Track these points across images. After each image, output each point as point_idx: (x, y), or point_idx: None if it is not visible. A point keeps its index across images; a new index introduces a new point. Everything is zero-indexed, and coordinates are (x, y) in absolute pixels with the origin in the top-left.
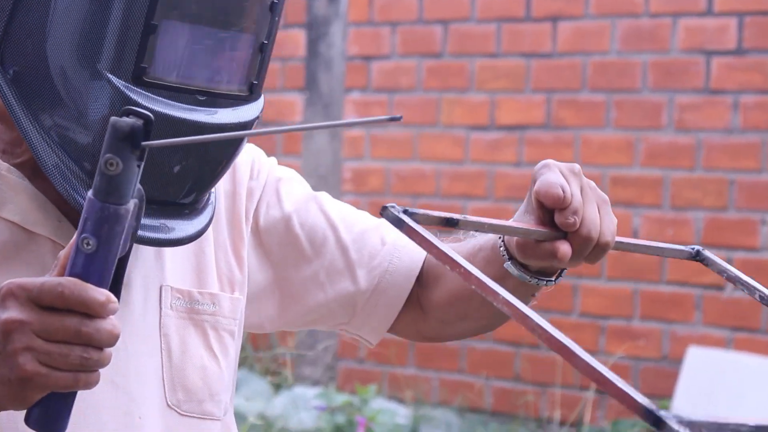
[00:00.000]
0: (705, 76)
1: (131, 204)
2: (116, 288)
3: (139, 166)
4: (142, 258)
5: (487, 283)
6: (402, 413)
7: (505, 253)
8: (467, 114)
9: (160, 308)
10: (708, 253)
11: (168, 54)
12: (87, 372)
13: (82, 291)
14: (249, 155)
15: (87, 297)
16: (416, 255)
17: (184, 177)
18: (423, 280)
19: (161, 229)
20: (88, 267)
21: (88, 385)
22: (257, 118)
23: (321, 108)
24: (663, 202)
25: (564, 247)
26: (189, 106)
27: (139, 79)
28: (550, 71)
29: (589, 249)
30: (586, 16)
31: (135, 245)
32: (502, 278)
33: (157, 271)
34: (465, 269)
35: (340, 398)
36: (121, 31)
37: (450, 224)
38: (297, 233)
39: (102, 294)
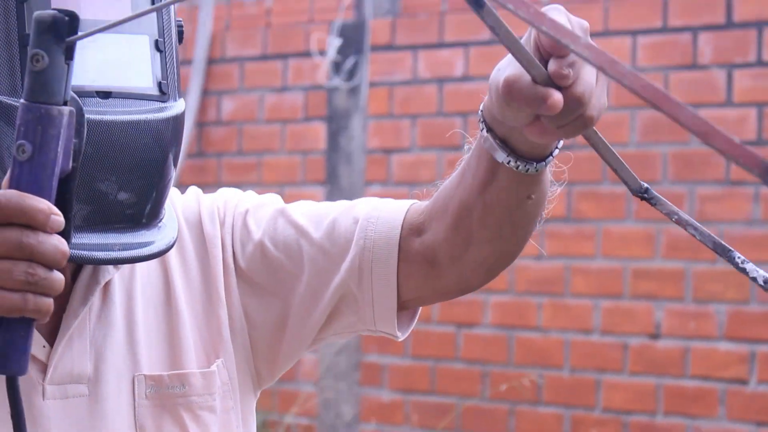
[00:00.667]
0: (725, 167)
1: (65, 109)
2: (64, 209)
3: (68, 64)
4: (114, 350)
5: (561, 23)
6: None
7: (483, 122)
8: None
9: (134, 399)
10: (656, 192)
11: None
12: (36, 294)
13: (20, 200)
14: (213, 204)
15: (26, 205)
16: (393, 216)
17: (123, 186)
18: (415, 230)
19: (112, 246)
20: (26, 176)
21: (39, 310)
22: (178, 116)
23: None
24: (685, 294)
25: (557, 96)
26: (96, 108)
27: None
28: (569, 162)
29: (575, 114)
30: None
31: (106, 332)
32: (492, 172)
33: (130, 361)
34: (534, 8)
35: None
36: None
37: (477, 5)
38: (274, 256)
39: (42, 203)
